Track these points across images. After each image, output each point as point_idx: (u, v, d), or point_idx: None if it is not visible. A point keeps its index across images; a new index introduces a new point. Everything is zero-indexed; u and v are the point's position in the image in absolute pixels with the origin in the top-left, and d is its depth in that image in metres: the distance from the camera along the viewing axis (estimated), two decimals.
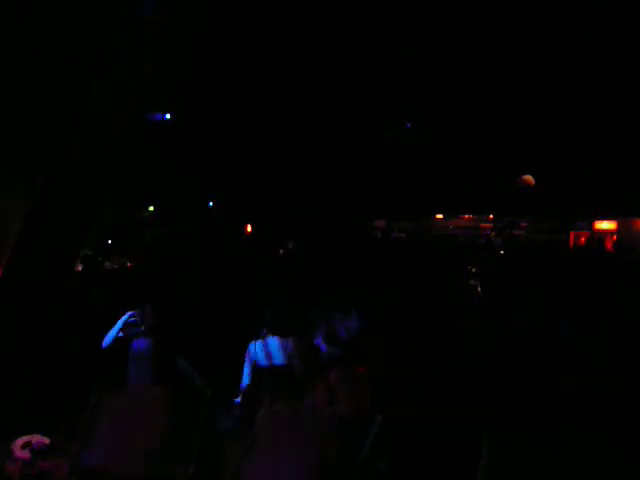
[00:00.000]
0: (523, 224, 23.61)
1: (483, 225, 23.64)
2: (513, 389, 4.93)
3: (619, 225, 21.23)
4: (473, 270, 10.97)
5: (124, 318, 4.55)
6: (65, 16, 7.08)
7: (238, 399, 4.73)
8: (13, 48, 8.01)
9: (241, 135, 14.56)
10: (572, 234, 21.81)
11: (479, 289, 9.96)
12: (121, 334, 4.54)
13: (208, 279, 9.05)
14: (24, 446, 3.44)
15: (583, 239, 20.55)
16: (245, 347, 4.85)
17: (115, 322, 4.62)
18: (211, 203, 22.43)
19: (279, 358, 4.63)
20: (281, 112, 12.45)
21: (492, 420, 3.93)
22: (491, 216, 23.55)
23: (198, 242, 16.12)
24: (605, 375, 5.10)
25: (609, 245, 18.72)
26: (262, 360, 4.64)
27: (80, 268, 8.93)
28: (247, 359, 4.70)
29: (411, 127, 9.96)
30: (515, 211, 21.49)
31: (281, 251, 14.37)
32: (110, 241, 16.58)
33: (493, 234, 21.24)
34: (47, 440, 3.54)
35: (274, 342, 4.67)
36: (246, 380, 4.67)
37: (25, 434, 3.54)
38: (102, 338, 4.60)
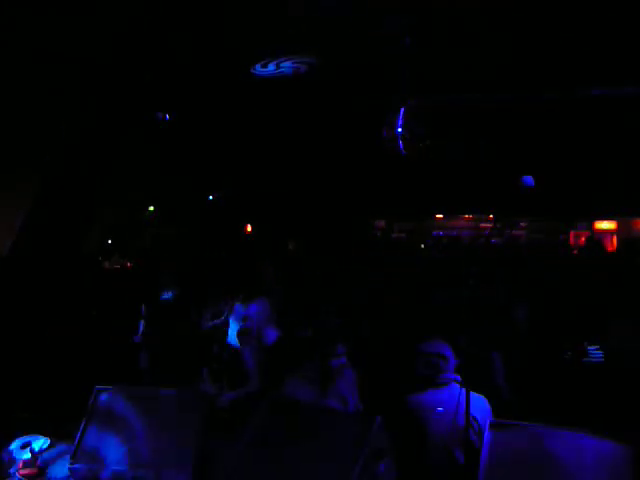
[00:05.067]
0: (523, 224, 23.61)
1: (483, 225, 23.64)
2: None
3: (619, 225, 21.25)
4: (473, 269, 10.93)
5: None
6: (61, 16, 7.08)
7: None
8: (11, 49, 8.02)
9: (241, 135, 14.55)
10: (572, 234, 21.82)
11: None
12: None
13: (208, 278, 9.04)
14: (24, 446, 3.44)
15: (583, 239, 20.58)
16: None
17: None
18: (211, 199, 22.42)
19: None
20: (281, 112, 12.46)
21: None
22: (491, 216, 23.52)
23: (198, 242, 16.13)
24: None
25: (608, 246, 18.72)
26: None
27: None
28: None
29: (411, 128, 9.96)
30: (515, 211, 21.46)
31: None
32: (110, 241, 16.57)
33: (493, 234, 21.24)
34: (47, 440, 3.54)
35: None
36: None
37: (25, 434, 3.54)
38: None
